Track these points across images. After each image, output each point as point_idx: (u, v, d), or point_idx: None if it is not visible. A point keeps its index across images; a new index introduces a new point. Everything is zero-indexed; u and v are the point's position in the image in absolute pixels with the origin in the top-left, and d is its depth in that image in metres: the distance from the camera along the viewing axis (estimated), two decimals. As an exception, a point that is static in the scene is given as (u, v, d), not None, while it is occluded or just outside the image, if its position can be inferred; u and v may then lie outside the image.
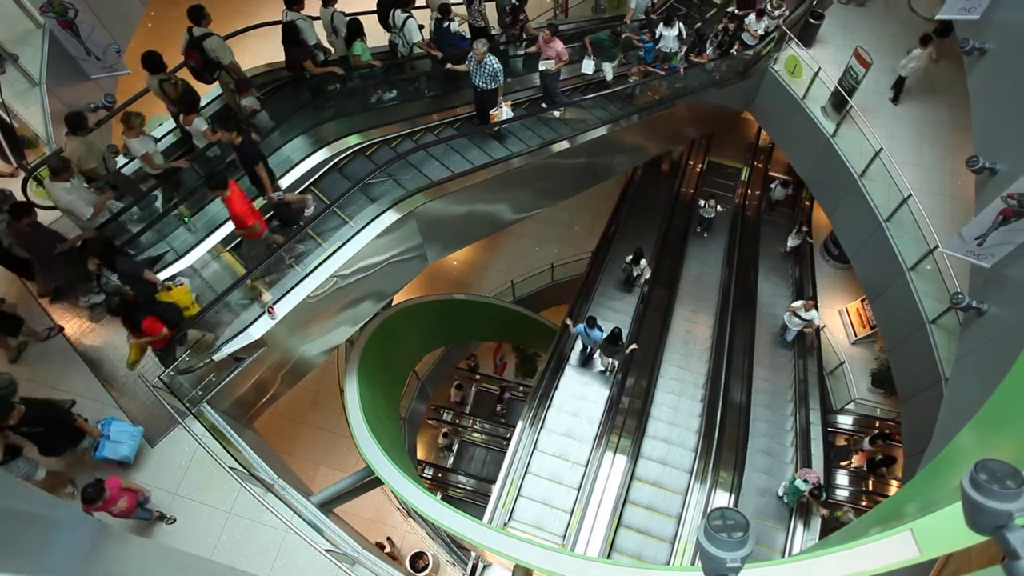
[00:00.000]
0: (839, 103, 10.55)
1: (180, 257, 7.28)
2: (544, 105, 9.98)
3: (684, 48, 11.25)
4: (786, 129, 12.25)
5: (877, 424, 12.39)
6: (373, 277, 7.88)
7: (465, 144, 9.14)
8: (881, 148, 9.54)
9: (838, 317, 13.99)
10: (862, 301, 13.50)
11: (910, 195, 9.01)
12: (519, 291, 14.84)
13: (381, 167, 7.90)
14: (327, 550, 5.88)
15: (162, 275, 6.85)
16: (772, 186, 15.02)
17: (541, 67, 9.34)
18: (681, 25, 10.94)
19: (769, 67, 11.63)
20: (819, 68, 10.64)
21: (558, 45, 9.04)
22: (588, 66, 10.31)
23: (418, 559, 10.73)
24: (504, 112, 8.96)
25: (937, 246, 8.34)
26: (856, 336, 13.56)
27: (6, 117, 7.29)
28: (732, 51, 11.53)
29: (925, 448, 7.16)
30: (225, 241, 7.49)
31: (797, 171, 12.58)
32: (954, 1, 7.92)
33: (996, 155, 6.88)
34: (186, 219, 7.42)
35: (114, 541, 3.19)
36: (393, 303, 10.72)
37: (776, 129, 12.98)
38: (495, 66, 8.34)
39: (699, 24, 13.35)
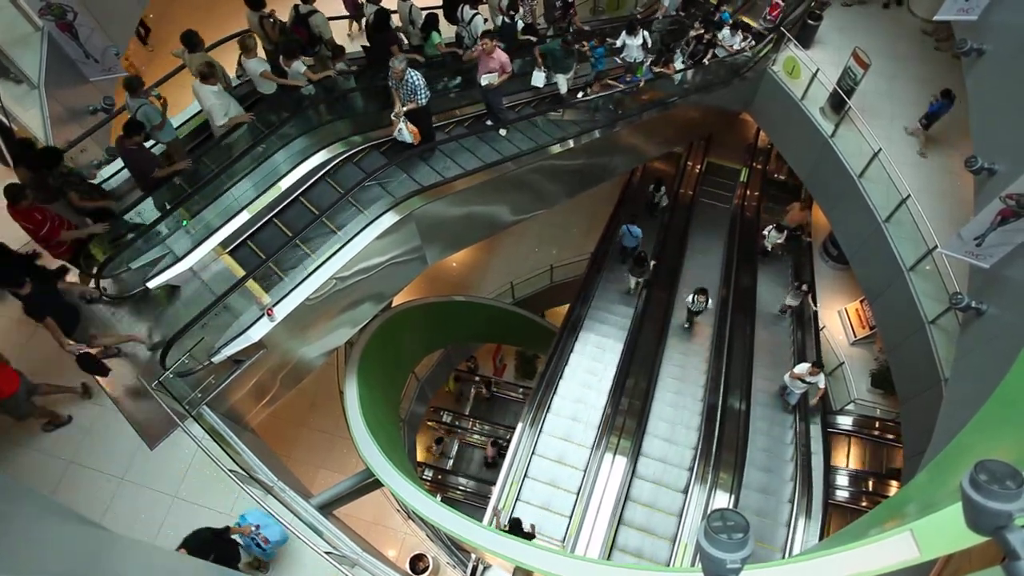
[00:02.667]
0: (837, 104, 10.56)
1: (179, 260, 7.28)
2: (488, 123, 9.29)
3: (650, 58, 10.77)
4: (785, 130, 12.27)
5: (878, 426, 12.41)
6: (373, 279, 7.88)
7: (473, 143, 9.12)
8: (880, 149, 9.54)
9: (837, 318, 13.99)
10: (861, 301, 13.49)
11: (909, 195, 9.01)
12: (518, 293, 14.84)
13: (369, 174, 7.93)
14: (327, 552, 5.87)
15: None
16: (766, 231, 13.10)
17: (483, 82, 8.51)
18: (646, 33, 10.44)
19: (768, 68, 11.65)
20: (817, 69, 10.65)
21: (501, 56, 8.31)
22: (538, 79, 9.56)
23: (418, 561, 10.72)
24: (401, 132, 7.93)
25: (936, 246, 8.33)
26: (855, 336, 13.55)
27: (5, 120, 7.29)
28: (704, 61, 11.21)
29: (925, 449, 7.16)
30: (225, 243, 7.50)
31: (796, 172, 12.58)
32: (952, 2, 7.95)
33: (994, 155, 6.90)
34: (184, 222, 7.41)
35: (114, 544, 3.19)
36: (393, 305, 10.72)
37: (775, 130, 12.99)
38: (415, 82, 7.62)
39: (692, 27, 13.17)
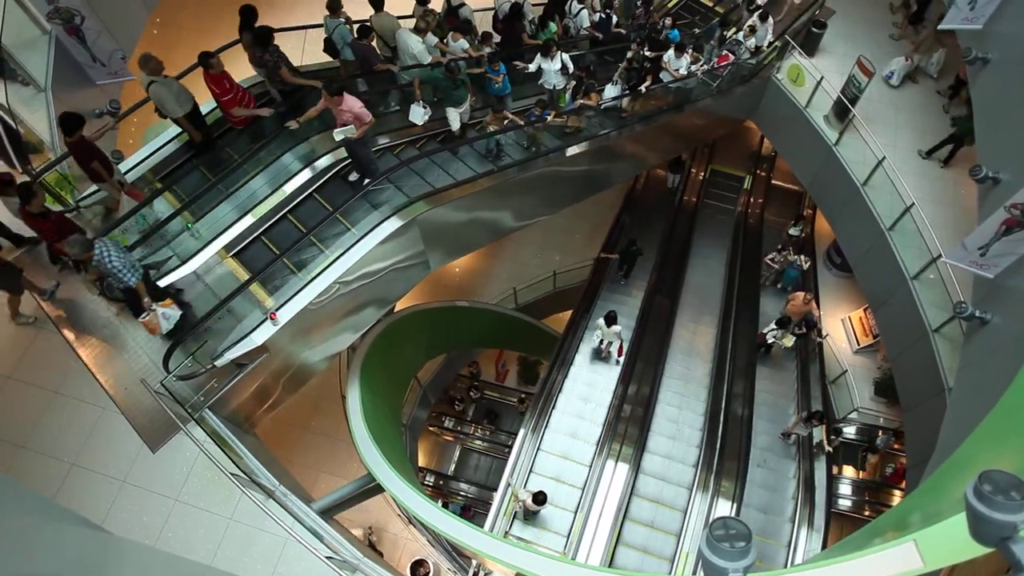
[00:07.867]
0: (842, 112, 10.56)
1: (183, 263, 7.29)
2: (352, 178, 8.06)
3: (572, 85, 9.62)
4: (789, 138, 12.26)
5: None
6: (375, 284, 7.89)
7: (467, 152, 9.11)
8: (884, 157, 9.54)
9: (840, 326, 13.96)
10: (865, 310, 13.47)
11: (913, 204, 9.01)
12: (521, 298, 14.84)
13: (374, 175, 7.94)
14: (328, 557, 5.86)
15: None
16: (766, 330, 10.98)
17: (337, 137, 7.11)
18: (564, 56, 9.42)
19: (772, 76, 11.66)
20: (822, 77, 10.66)
21: (352, 103, 6.92)
22: (416, 114, 8.52)
23: (419, 566, 10.70)
24: (167, 317, 6.48)
25: (940, 255, 8.32)
26: (859, 345, 13.52)
27: (11, 122, 7.32)
28: (642, 88, 10.34)
29: (928, 458, 7.12)
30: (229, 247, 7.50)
31: (800, 179, 12.56)
32: (957, 11, 7.95)
33: (999, 164, 6.87)
34: (189, 225, 7.43)
35: (115, 547, 3.19)
36: (396, 310, 10.73)
37: (779, 138, 12.98)
38: (111, 263, 5.88)
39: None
